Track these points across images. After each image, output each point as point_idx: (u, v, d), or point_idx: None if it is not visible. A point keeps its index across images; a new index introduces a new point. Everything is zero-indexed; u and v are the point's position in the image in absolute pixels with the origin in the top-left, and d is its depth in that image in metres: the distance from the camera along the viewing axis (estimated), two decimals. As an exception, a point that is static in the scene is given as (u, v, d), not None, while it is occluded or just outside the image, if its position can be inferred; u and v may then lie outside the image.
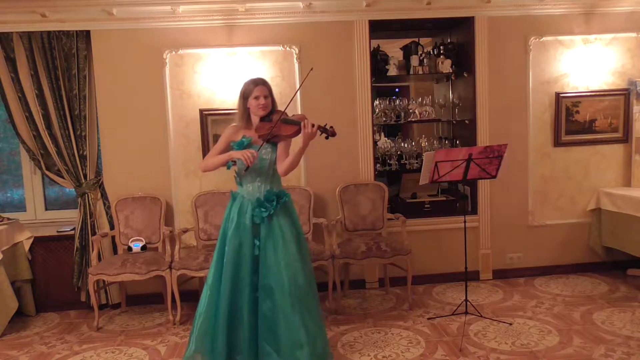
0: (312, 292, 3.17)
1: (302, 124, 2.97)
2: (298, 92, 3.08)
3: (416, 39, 5.12)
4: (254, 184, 3.16)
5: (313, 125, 2.95)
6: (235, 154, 3.07)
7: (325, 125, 3.01)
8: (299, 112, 4.38)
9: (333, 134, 3.00)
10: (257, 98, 3.11)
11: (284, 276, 3.02)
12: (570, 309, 4.15)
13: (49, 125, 4.46)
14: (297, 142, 3.12)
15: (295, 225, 3.19)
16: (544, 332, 3.75)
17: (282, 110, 3.13)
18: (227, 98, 4.63)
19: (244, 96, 3.16)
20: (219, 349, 3.06)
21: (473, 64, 4.78)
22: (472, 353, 3.47)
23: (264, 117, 3.13)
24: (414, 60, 4.99)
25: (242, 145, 3.12)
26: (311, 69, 3.18)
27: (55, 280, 4.63)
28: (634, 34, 4.88)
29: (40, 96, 4.42)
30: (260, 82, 3.15)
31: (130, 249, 4.49)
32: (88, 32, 4.46)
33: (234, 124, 3.26)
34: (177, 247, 4.30)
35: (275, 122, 3.05)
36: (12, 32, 4.36)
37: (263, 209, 3.08)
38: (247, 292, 3.06)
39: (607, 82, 4.91)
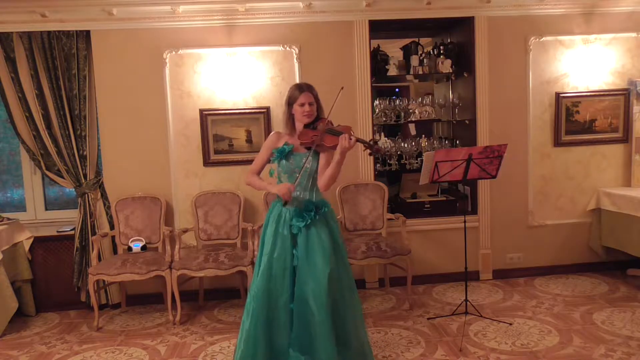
0: (350, 302, 3.06)
1: (340, 137, 2.86)
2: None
3: (416, 39, 5.13)
4: (293, 194, 3.05)
5: (351, 139, 2.84)
6: (273, 189, 3.03)
7: (370, 141, 2.92)
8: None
9: (377, 151, 2.89)
10: (302, 105, 3.00)
11: (320, 287, 2.91)
12: (570, 309, 4.15)
13: (49, 125, 4.46)
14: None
15: (334, 235, 3.07)
16: (544, 332, 3.75)
17: (327, 118, 3.02)
18: (227, 98, 4.64)
19: (289, 102, 3.05)
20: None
21: (473, 64, 4.78)
22: (472, 353, 3.47)
23: (308, 124, 3.04)
24: (414, 60, 4.99)
25: (283, 153, 3.04)
26: (342, 88, 3.06)
27: (55, 280, 4.63)
28: (634, 34, 4.88)
29: (40, 96, 4.42)
30: (306, 88, 3.03)
31: (130, 249, 4.49)
32: (88, 32, 4.46)
33: (277, 131, 3.20)
34: (177, 247, 4.30)
35: (321, 133, 2.94)
36: (12, 32, 4.36)
37: (300, 219, 2.99)
38: (286, 303, 2.97)
39: (607, 82, 4.91)
